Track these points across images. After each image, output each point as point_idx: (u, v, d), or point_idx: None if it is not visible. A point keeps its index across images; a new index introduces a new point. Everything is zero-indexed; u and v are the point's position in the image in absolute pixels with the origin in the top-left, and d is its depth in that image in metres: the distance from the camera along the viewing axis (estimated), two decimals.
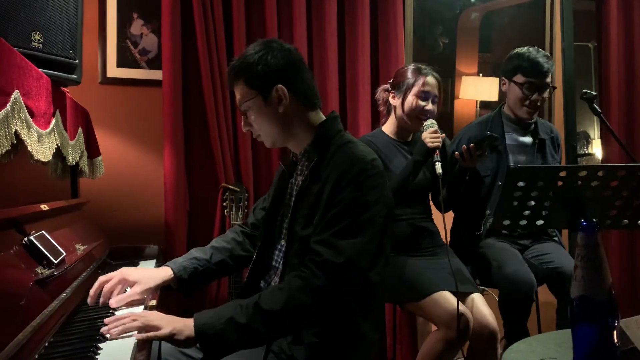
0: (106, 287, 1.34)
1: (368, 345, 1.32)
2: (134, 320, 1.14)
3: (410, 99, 2.00)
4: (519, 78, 2.17)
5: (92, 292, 1.34)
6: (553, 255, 2.09)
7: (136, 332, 1.13)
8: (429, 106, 2.00)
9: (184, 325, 1.16)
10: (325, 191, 1.26)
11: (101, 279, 1.36)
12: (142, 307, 1.34)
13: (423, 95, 1.99)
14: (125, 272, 1.37)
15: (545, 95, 2.19)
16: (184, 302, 2.23)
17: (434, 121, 1.97)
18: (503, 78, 2.26)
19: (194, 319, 1.18)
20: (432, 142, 1.91)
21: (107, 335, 1.12)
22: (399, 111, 2.05)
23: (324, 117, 1.42)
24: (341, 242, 1.21)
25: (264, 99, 1.34)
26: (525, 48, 2.20)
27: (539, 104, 2.18)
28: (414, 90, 2.00)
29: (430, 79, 2.01)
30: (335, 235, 1.22)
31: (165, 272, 1.41)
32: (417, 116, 2.00)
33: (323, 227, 1.24)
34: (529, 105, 2.17)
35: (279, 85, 1.33)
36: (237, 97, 1.40)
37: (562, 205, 1.72)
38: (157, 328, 1.14)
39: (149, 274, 1.39)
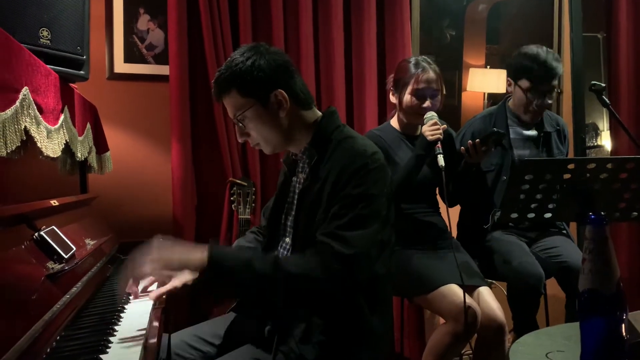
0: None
1: (377, 339, 1.31)
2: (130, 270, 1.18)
3: (407, 98, 1.98)
4: (524, 83, 2.12)
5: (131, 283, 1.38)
6: (561, 248, 2.08)
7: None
8: (426, 103, 1.96)
9: (194, 257, 1.15)
10: (327, 188, 1.26)
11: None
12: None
13: (419, 93, 1.96)
14: None
15: (550, 100, 2.14)
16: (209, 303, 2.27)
17: (434, 113, 1.94)
18: (508, 79, 2.22)
19: (210, 249, 1.16)
20: (432, 135, 1.89)
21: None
22: (398, 108, 2.05)
23: (320, 114, 1.40)
24: (348, 234, 1.20)
25: (263, 106, 1.30)
26: (535, 49, 2.11)
27: (543, 108, 2.16)
28: (409, 88, 1.97)
29: (427, 75, 1.96)
30: (341, 228, 1.21)
31: None
32: (416, 113, 1.99)
33: (329, 221, 1.24)
34: (532, 111, 2.16)
35: (278, 90, 1.30)
36: (229, 109, 1.34)
37: (571, 198, 1.71)
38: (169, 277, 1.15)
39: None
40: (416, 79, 1.96)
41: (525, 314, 2.00)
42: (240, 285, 1.18)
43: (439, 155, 1.86)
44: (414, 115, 2.00)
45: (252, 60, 1.29)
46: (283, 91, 1.30)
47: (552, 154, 2.24)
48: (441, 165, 1.84)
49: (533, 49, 2.12)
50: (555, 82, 2.12)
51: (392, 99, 2.07)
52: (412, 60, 2.03)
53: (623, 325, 0.86)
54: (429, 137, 1.89)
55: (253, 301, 1.33)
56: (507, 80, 2.24)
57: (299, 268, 1.18)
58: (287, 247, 1.40)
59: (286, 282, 1.17)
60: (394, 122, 2.12)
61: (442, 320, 1.90)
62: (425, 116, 1.95)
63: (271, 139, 1.35)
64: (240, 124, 1.34)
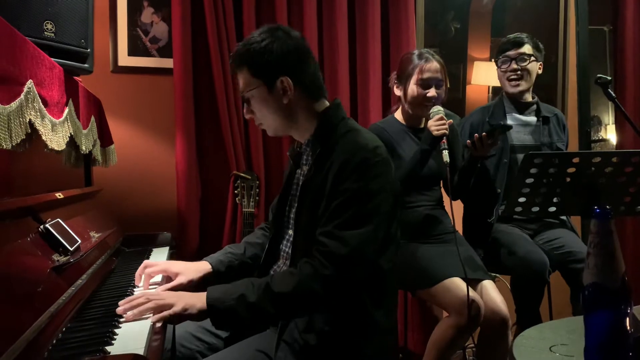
0: (148, 270, 1.41)
1: (382, 332, 1.32)
2: (147, 300, 1.17)
3: (412, 88, 1.98)
4: (498, 60, 2.31)
5: (138, 273, 1.41)
6: (564, 239, 2.10)
7: (151, 313, 1.16)
8: (432, 92, 1.95)
9: (197, 299, 1.19)
10: (328, 181, 1.26)
11: (146, 262, 1.43)
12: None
13: (424, 82, 1.96)
14: (169, 263, 1.44)
15: (524, 64, 2.24)
16: None
17: (440, 108, 1.94)
18: (497, 71, 2.36)
19: (207, 293, 1.21)
20: (438, 130, 1.88)
21: (123, 318, 1.15)
22: (403, 100, 2.04)
23: (328, 105, 1.40)
24: (345, 233, 1.21)
25: (268, 89, 1.32)
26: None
27: (518, 73, 2.25)
28: (414, 78, 1.97)
29: (431, 65, 1.96)
30: (339, 226, 1.22)
31: (204, 266, 1.45)
32: (421, 103, 1.98)
33: (327, 218, 1.24)
34: (508, 78, 2.27)
35: (284, 77, 1.31)
36: (240, 83, 1.38)
37: (575, 191, 1.71)
38: (169, 306, 1.17)
39: (191, 267, 1.43)
40: (420, 69, 1.96)
41: (530, 304, 2.00)
42: (240, 319, 1.21)
43: (444, 151, 1.86)
44: (419, 107, 1.99)
45: (266, 42, 1.31)
46: (289, 78, 1.31)
47: (552, 139, 2.28)
48: (446, 162, 1.84)
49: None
50: (522, 50, 2.25)
51: (397, 91, 2.06)
52: (416, 52, 2.04)
53: (627, 319, 0.86)
54: (435, 132, 1.88)
55: (254, 326, 1.38)
56: (497, 74, 2.37)
57: (289, 286, 1.20)
58: (290, 239, 1.41)
59: (279, 306, 1.20)
60: (398, 115, 2.12)
61: (445, 314, 1.90)
62: (431, 110, 1.94)
63: (271, 123, 1.38)
64: (250, 100, 1.37)
